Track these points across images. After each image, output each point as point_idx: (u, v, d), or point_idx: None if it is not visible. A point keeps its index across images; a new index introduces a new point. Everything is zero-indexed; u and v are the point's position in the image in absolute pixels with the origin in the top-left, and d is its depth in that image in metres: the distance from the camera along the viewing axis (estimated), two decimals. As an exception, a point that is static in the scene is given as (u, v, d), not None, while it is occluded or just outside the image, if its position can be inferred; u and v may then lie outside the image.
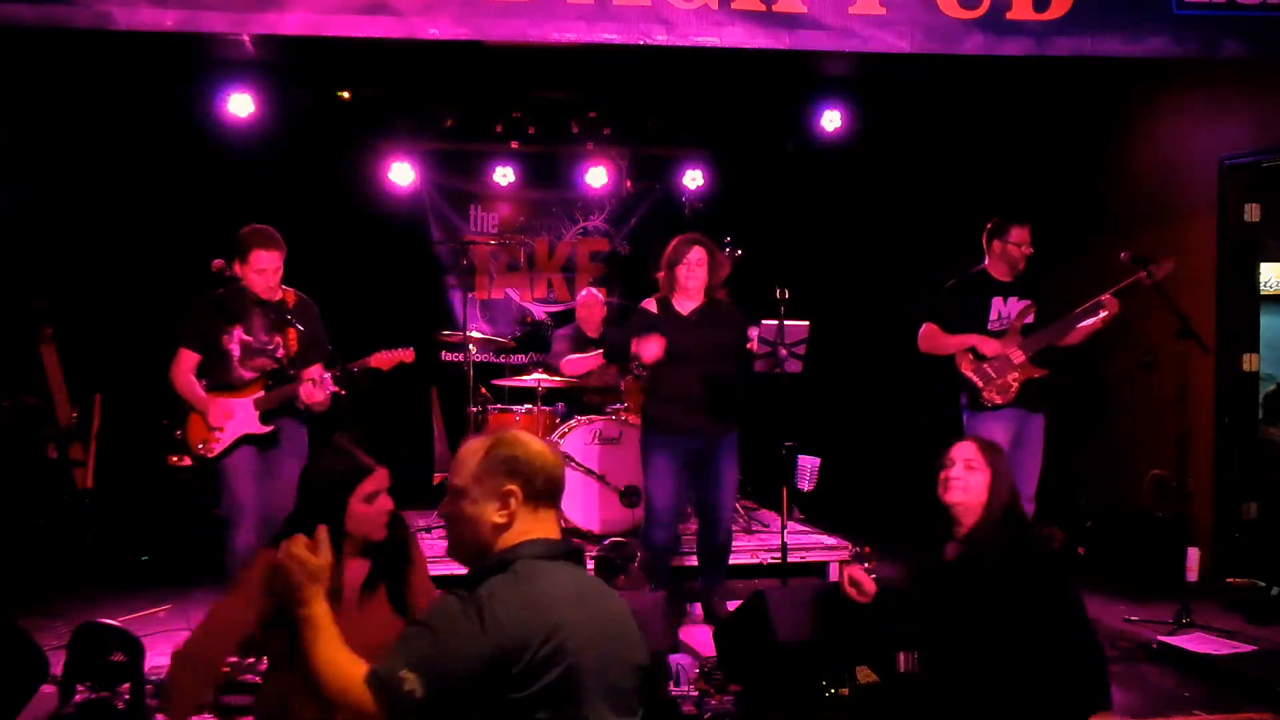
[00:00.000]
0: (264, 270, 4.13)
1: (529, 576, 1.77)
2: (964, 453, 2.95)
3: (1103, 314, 4.51)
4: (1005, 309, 4.71)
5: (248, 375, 4.21)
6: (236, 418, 4.16)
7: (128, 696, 3.31)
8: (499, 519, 1.85)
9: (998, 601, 2.71)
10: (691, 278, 4.39)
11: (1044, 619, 2.71)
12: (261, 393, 4.19)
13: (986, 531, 2.87)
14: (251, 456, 4.19)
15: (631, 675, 1.82)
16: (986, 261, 4.79)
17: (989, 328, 4.69)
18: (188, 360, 4.19)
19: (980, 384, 4.60)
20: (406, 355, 4.29)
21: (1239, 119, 5.27)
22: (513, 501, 1.84)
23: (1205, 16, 4.10)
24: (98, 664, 3.33)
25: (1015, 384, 4.58)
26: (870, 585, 3.01)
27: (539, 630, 1.69)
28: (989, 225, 4.80)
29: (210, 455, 4.14)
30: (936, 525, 2.99)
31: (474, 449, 1.90)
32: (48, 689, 3.31)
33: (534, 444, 1.91)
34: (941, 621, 2.83)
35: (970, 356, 4.63)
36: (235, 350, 4.20)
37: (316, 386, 4.14)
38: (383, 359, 4.27)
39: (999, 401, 4.58)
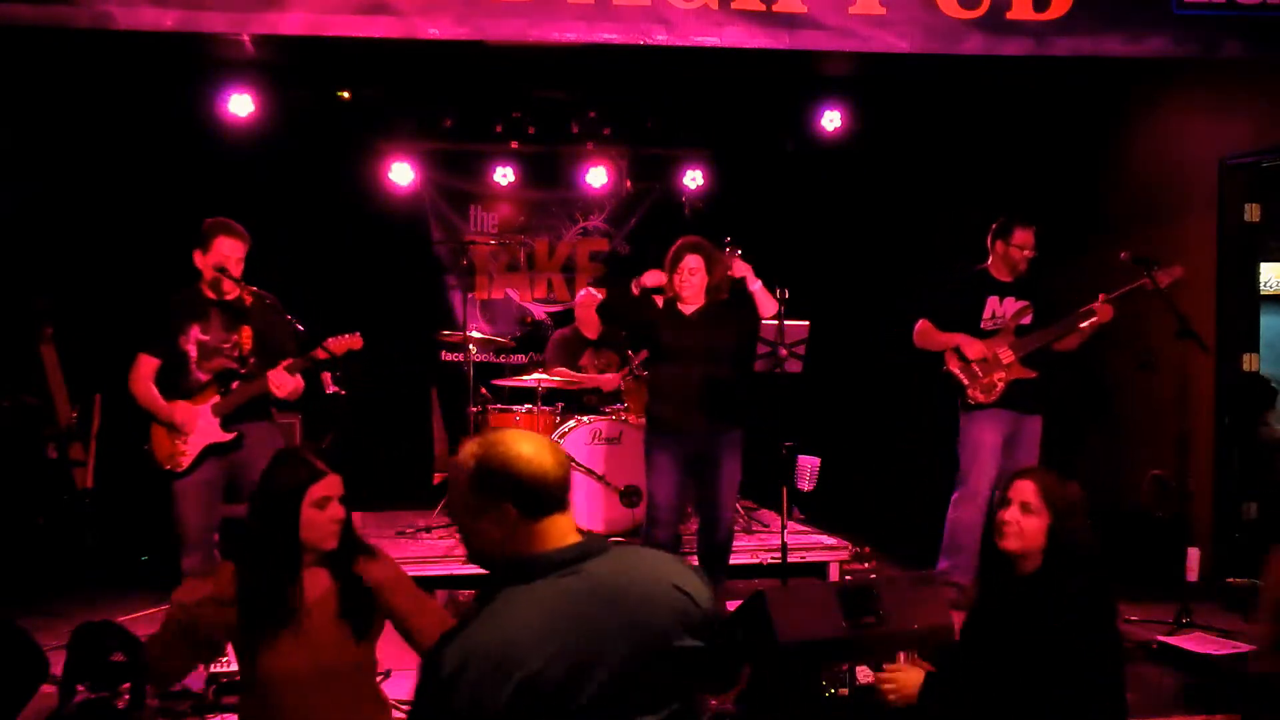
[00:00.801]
0: (227, 259, 4.06)
1: (496, 614, 1.67)
2: (1021, 493, 2.58)
3: (1093, 320, 4.52)
4: (1001, 308, 4.73)
5: (204, 378, 4.12)
6: (199, 427, 4.08)
7: (128, 696, 3.31)
8: (496, 534, 1.75)
9: (1035, 647, 2.47)
10: (686, 286, 4.43)
11: (1081, 671, 2.47)
12: (217, 398, 4.09)
13: (1049, 575, 2.56)
14: (210, 477, 4.10)
15: (644, 669, 1.66)
16: (989, 261, 4.81)
17: (982, 327, 4.71)
18: (147, 366, 4.10)
19: (965, 382, 4.64)
20: (354, 341, 4.18)
21: (1239, 119, 5.26)
22: (507, 519, 1.73)
23: (1205, 16, 4.10)
24: (98, 664, 3.32)
25: (1001, 384, 4.60)
26: (911, 686, 2.61)
27: (498, 689, 1.57)
28: (994, 225, 4.82)
29: (179, 470, 4.06)
30: (993, 565, 2.68)
31: (465, 462, 1.78)
32: (48, 689, 3.31)
33: (526, 451, 1.75)
34: (979, 660, 2.61)
35: (956, 355, 4.67)
36: (193, 351, 4.11)
37: (287, 377, 4.05)
38: (332, 346, 4.15)
39: (983, 400, 4.61)
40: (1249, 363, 5.36)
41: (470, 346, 6.02)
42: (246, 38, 4.80)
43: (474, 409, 5.97)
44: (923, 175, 6.97)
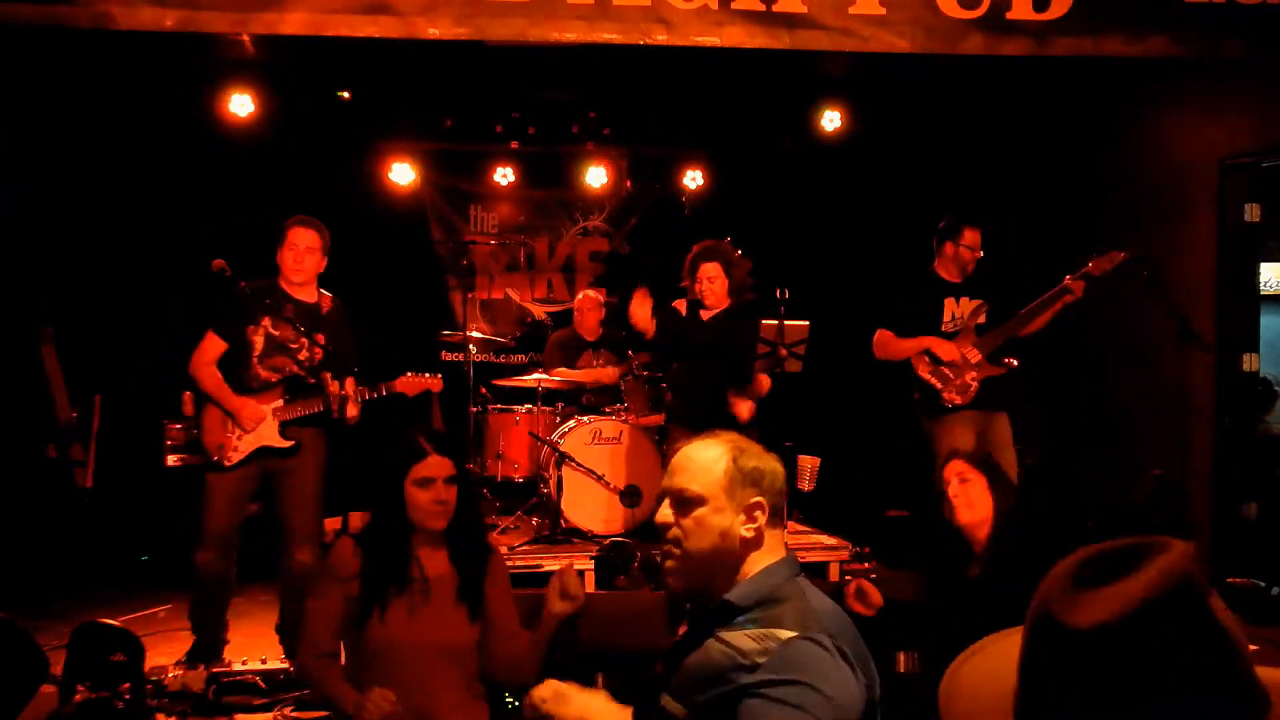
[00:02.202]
0: (296, 246, 4.04)
1: (814, 598, 1.71)
2: (955, 469, 2.81)
3: (1067, 298, 4.49)
4: (958, 309, 4.70)
5: (264, 375, 4.02)
6: (257, 426, 3.98)
7: (128, 696, 3.31)
8: (747, 533, 1.74)
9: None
10: (709, 294, 4.56)
11: None
12: (280, 401, 4.00)
13: (1005, 536, 2.70)
14: (248, 477, 4.01)
15: None
16: (935, 262, 4.79)
17: (943, 329, 4.68)
18: (213, 348, 3.99)
19: (939, 386, 4.58)
20: (435, 383, 4.16)
21: (1239, 119, 5.26)
22: (759, 515, 1.75)
23: (1206, 16, 4.10)
24: (98, 664, 3.32)
25: (974, 383, 4.57)
26: (877, 597, 2.92)
27: (864, 659, 1.66)
28: (940, 225, 4.80)
29: (226, 464, 3.94)
30: (953, 547, 2.83)
31: (715, 456, 1.77)
32: (48, 689, 3.31)
33: (769, 455, 1.82)
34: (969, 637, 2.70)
35: (926, 359, 4.62)
36: (258, 343, 4.01)
37: (352, 402, 3.98)
38: (409, 384, 4.12)
39: (959, 402, 4.56)
40: (1249, 363, 5.36)
41: (470, 346, 6.01)
42: (246, 38, 4.81)
43: (474, 409, 5.97)
44: (922, 175, 6.97)
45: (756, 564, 1.75)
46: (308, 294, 4.10)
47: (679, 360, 4.72)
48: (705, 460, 1.77)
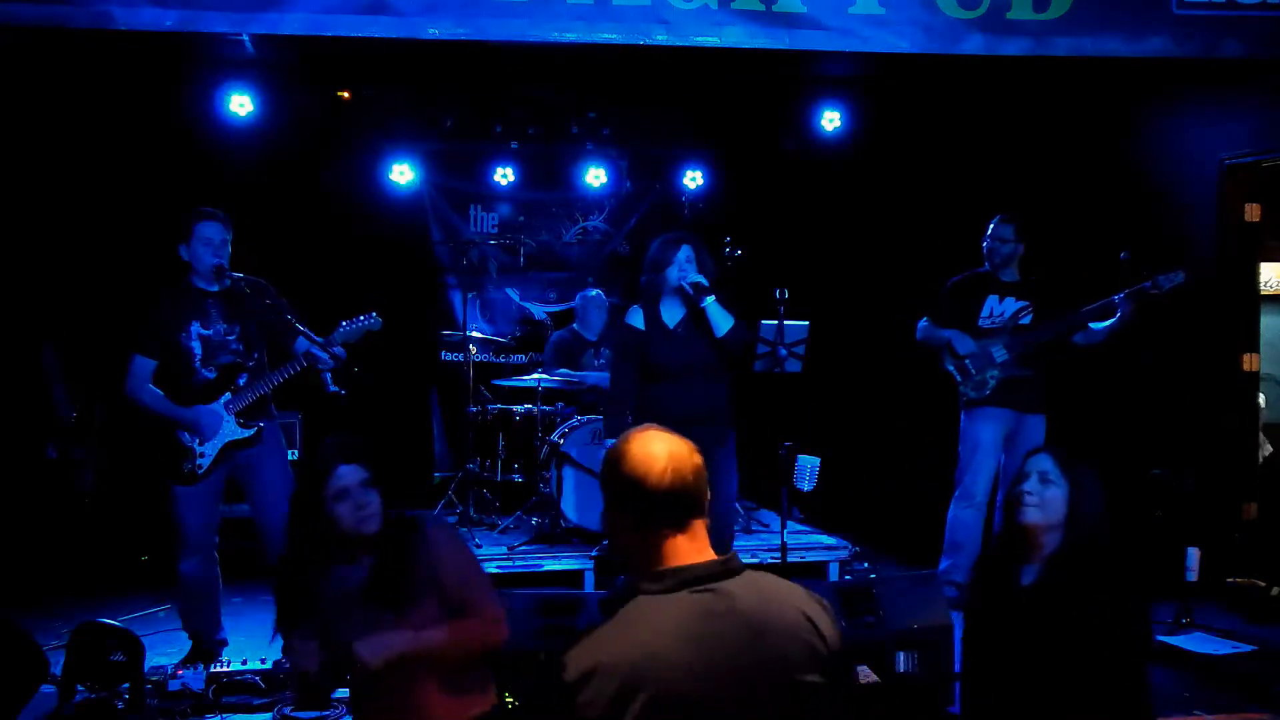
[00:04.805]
0: (211, 241, 3.91)
1: (630, 624, 1.58)
2: (1039, 465, 2.56)
3: (1107, 325, 4.51)
4: (1000, 307, 4.76)
5: (210, 375, 3.96)
6: (218, 427, 3.94)
7: (128, 696, 3.32)
8: (627, 538, 1.66)
9: (1075, 637, 2.37)
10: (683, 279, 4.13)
11: (1116, 658, 2.38)
12: (229, 394, 3.95)
13: (1071, 554, 2.48)
14: (217, 479, 3.97)
15: (769, 699, 1.58)
16: (985, 258, 4.86)
17: (979, 324, 4.75)
18: (144, 369, 3.90)
19: (959, 378, 4.72)
20: (372, 324, 3.99)
21: (1239, 119, 5.26)
22: (625, 524, 1.66)
23: (1205, 16, 4.11)
24: (98, 664, 3.33)
25: (992, 380, 4.64)
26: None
27: (625, 704, 1.49)
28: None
29: (199, 472, 3.91)
30: (1011, 547, 2.59)
31: (605, 457, 1.71)
32: (48, 689, 3.32)
33: (636, 458, 1.64)
34: (1009, 653, 2.49)
35: (951, 351, 4.72)
36: (197, 348, 3.94)
37: (318, 352, 3.85)
38: (349, 334, 3.94)
39: (974, 397, 4.68)
40: (1249, 363, 5.36)
41: (470, 346, 6.02)
42: (246, 38, 4.81)
43: (474, 409, 5.97)
44: (922, 175, 6.97)
45: (643, 568, 1.67)
46: (220, 278, 3.98)
47: (646, 380, 4.23)
48: (604, 459, 1.75)
